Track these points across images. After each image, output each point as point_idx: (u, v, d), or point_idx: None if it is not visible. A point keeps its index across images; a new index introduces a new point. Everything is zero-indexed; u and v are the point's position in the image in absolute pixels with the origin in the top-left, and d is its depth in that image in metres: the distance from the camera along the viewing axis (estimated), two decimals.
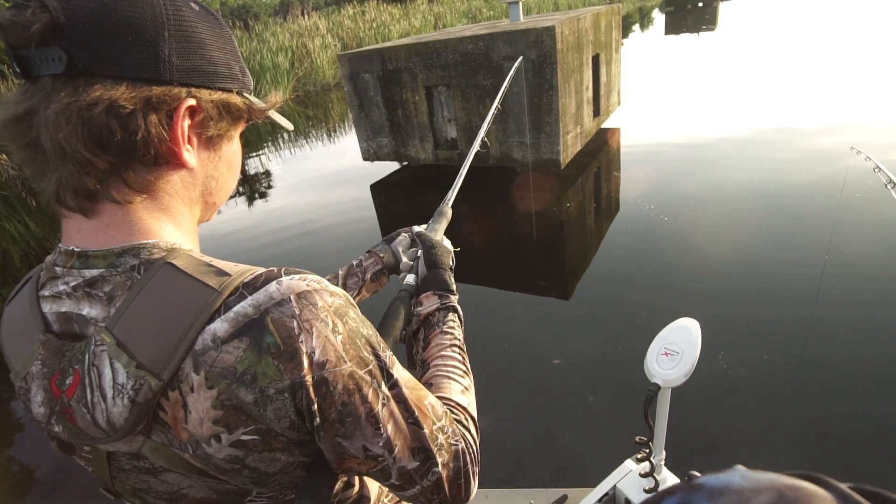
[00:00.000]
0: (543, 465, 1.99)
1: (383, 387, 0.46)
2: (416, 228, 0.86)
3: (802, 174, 4.20)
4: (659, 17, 21.99)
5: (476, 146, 1.20)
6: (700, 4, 23.29)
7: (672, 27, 17.80)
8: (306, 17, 17.00)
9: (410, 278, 0.76)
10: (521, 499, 1.52)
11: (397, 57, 4.91)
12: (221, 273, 0.42)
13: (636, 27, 19.49)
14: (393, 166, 6.10)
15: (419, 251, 0.78)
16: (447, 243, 0.82)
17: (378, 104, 5.31)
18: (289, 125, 0.60)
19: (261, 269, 0.44)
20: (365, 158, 5.83)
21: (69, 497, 2.21)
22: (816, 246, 3.05)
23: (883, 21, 12.01)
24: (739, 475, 0.24)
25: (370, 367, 0.45)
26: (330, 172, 6.75)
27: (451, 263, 0.77)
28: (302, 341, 0.41)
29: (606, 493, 1.33)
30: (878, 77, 7.03)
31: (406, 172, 5.98)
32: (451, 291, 0.72)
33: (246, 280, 0.42)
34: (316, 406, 0.42)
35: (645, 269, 3.28)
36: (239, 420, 0.41)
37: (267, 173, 6.93)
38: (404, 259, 0.84)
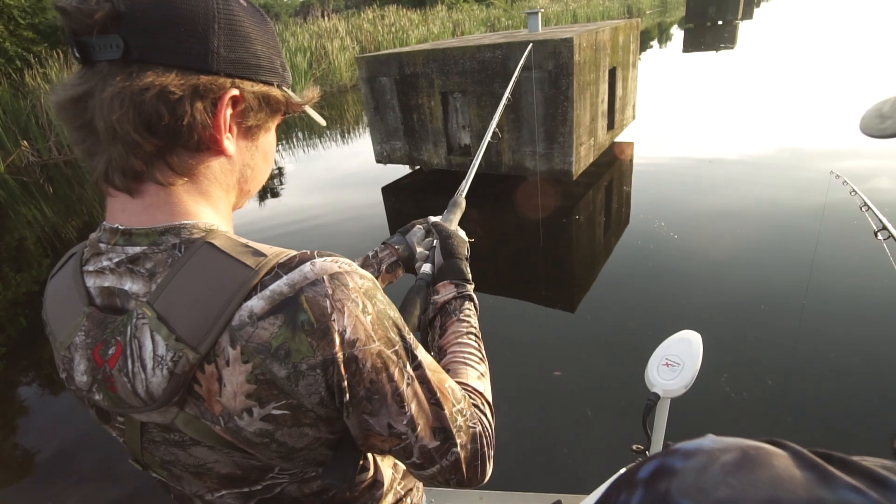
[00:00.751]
0: (539, 471, 1.99)
1: (408, 367, 0.48)
2: (432, 219, 0.87)
3: (805, 195, 4.17)
4: (678, 34, 21.95)
5: (488, 137, 1.22)
6: (720, 23, 23.23)
7: (691, 44, 17.75)
8: (326, 18, 17.19)
9: (427, 267, 0.77)
10: (514, 502, 1.53)
11: (415, 62, 4.96)
12: (258, 254, 0.44)
13: (654, 42, 19.48)
14: (405, 170, 6.14)
15: (434, 241, 0.79)
16: (462, 233, 0.83)
17: (394, 108, 5.35)
18: (322, 121, 0.62)
19: (294, 252, 0.46)
20: (378, 161, 5.87)
21: (69, 480, 2.23)
22: (804, 263, 3.13)
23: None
24: (710, 440, 0.28)
25: (396, 347, 0.47)
26: (342, 173, 6.81)
27: (466, 253, 0.78)
28: (334, 320, 0.43)
29: (599, 501, 1.32)
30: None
31: (418, 177, 6.01)
32: (468, 280, 0.73)
33: (281, 261, 0.44)
34: (346, 383, 0.44)
35: (651, 284, 3.27)
36: (271, 394, 0.43)
37: (279, 171, 6.99)
38: (419, 250, 0.85)
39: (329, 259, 0.45)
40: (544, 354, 2.73)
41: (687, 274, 3.33)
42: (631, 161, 5.78)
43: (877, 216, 1.28)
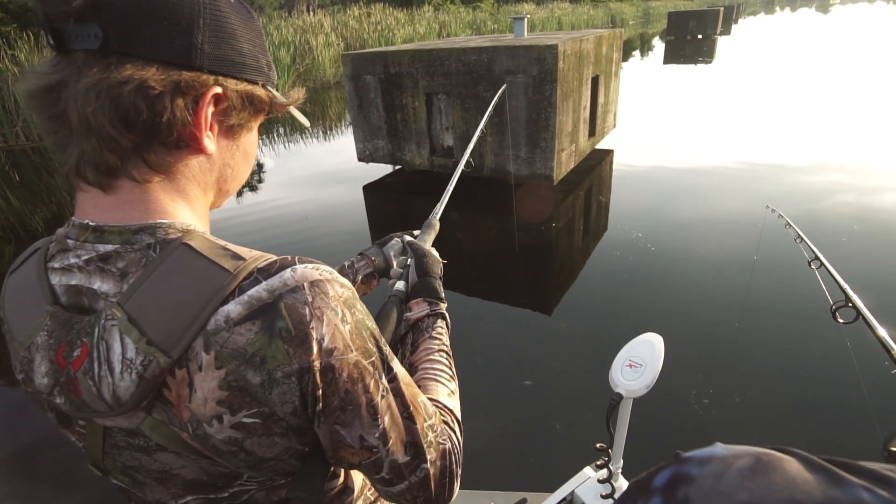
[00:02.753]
0: (506, 470, 2.03)
1: (383, 379, 0.48)
2: (408, 238, 0.88)
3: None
4: (659, 45, 22.43)
5: (461, 166, 1.26)
6: (700, 36, 23.83)
7: (671, 56, 18.16)
8: (311, 13, 17.01)
9: (400, 285, 0.78)
10: (481, 500, 1.56)
11: (400, 61, 4.94)
12: (237, 257, 0.43)
13: (636, 52, 19.86)
14: (387, 169, 6.11)
15: (409, 259, 0.80)
16: (435, 254, 0.84)
17: (378, 106, 5.32)
18: (305, 122, 0.61)
19: (274, 256, 0.45)
20: (360, 159, 5.83)
21: (27, 481, 2.15)
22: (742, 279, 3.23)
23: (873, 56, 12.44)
24: (720, 447, 0.29)
25: (373, 358, 0.47)
26: (323, 170, 6.74)
27: (440, 273, 0.79)
28: (313, 328, 0.42)
29: (564, 498, 1.37)
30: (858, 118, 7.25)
31: (400, 176, 5.99)
32: (441, 299, 0.74)
33: (261, 265, 0.43)
34: (321, 391, 0.43)
35: (622, 288, 3.34)
36: (243, 402, 0.42)
37: (259, 167, 6.88)
38: (395, 265, 0.85)
39: (310, 266, 0.45)
40: (519, 356, 2.76)
41: (657, 280, 3.41)
42: (611, 168, 5.88)
43: (809, 247, 1.36)
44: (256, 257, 0.44)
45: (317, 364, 0.42)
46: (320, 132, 9.01)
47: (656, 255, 3.71)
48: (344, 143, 7.81)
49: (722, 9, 25.02)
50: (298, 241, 4.37)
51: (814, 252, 1.32)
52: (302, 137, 8.65)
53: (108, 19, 0.39)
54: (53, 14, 0.39)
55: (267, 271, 0.43)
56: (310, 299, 0.42)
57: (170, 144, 0.44)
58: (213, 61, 0.44)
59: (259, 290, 0.41)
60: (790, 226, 1.53)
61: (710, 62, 15.67)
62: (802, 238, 1.40)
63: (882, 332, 0.91)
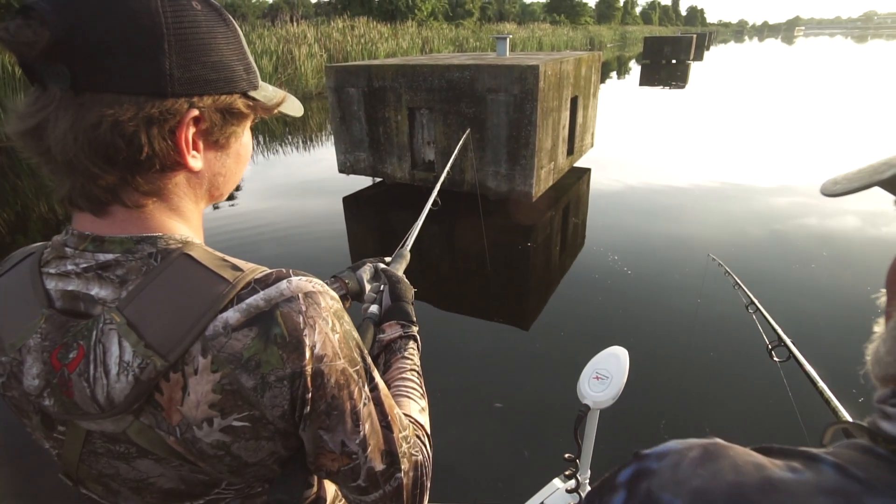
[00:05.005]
0: (475, 483, 2.04)
1: (366, 387, 0.50)
2: (381, 265, 0.91)
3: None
4: (635, 69, 23.18)
5: (429, 205, 1.32)
6: (674, 61, 24.73)
7: (646, 79, 18.78)
8: (295, 24, 17.00)
9: (374, 308, 0.80)
10: None
11: (384, 75, 4.98)
12: (235, 268, 0.46)
13: (613, 74, 20.47)
14: (367, 181, 6.11)
15: (382, 285, 0.84)
16: (407, 282, 0.88)
17: (360, 119, 5.34)
18: (299, 111, 0.59)
19: (270, 269, 0.47)
20: (341, 170, 5.82)
21: None
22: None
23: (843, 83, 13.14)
24: (674, 442, 0.34)
25: (358, 367, 0.49)
26: (302, 180, 6.70)
27: (411, 299, 0.83)
28: (306, 335, 0.44)
29: None
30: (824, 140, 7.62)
31: (380, 189, 5.99)
32: (413, 322, 0.77)
33: (257, 277, 0.45)
34: (310, 395, 0.45)
35: (598, 309, 3.40)
36: (234, 405, 0.44)
37: None
38: (367, 289, 0.88)
39: (304, 278, 0.47)
40: (493, 369, 2.79)
41: (628, 300, 3.48)
42: (588, 186, 6.01)
43: (746, 293, 1.45)
44: (253, 269, 0.46)
45: (308, 369, 0.44)
46: (300, 142, 8.97)
47: (630, 276, 3.79)
48: (324, 154, 7.79)
49: (695, 36, 26.08)
50: (275, 253, 4.31)
51: (749, 297, 1.42)
52: (282, 146, 8.59)
53: (72, 58, 0.39)
54: (21, 56, 0.40)
55: (264, 282, 0.45)
56: (304, 308, 0.44)
57: (155, 171, 0.45)
58: (185, 84, 0.43)
59: (257, 299, 0.43)
60: (728, 273, 1.65)
61: (683, 86, 16.26)
62: (740, 285, 1.51)
63: (809, 367, 0.99)
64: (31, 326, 0.45)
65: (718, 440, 0.33)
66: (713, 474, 0.30)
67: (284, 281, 0.45)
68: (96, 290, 0.44)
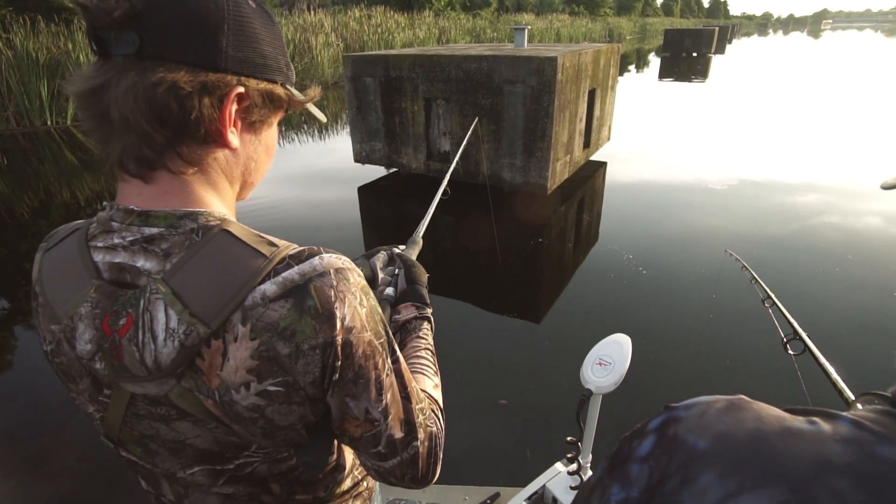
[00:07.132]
0: (480, 465, 2.09)
1: (389, 359, 0.53)
2: (396, 250, 0.94)
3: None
4: (655, 61, 22.77)
5: (439, 194, 1.36)
6: (694, 55, 24.24)
7: (666, 72, 18.44)
8: (312, 12, 17.01)
9: (390, 290, 0.84)
10: (455, 495, 1.62)
11: (401, 65, 4.98)
12: (271, 244, 0.49)
13: (632, 67, 20.14)
14: (383, 171, 6.14)
15: (396, 269, 0.87)
16: (421, 266, 0.91)
17: (376, 108, 5.36)
18: (323, 118, 0.66)
19: (303, 246, 0.50)
20: (356, 160, 5.85)
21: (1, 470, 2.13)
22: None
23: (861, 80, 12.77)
24: (702, 397, 0.38)
25: (382, 339, 0.52)
26: (319, 169, 6.75)
27: (426, 283, 0.86)
28: (336, 307, 0.48)
29: (536, 492, 1.43)
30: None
31: (395, 179, 6.02)
32: (428, 304, 0.80)
33: (291, 253, 0.49)
34: (339, 363, 0.48)
35: (610, 303, 3.39)
36: (270, 371, 0.47)
37: None
38: (382, 275, 0.91)
39: (334, 256, 0.50)
40: (500, 362, 2.80)
41: (642, 295, 3.47)
42: (603, 180, 5.96)
43: (763, 287, 1.48)
44: (287, 245, 0.50)
45: (339, 339, 0.47)
46: (316, 131, 9.01)
47: (644, 273, 3.77)
48: (339, 144, 7.83)
49: (717, 29, 25.51)
50: (291, 239, 4.36)
51: (766, 291, 1.44)
52: (298, 136, 8.65)
53: (144, 28, 0.44)
54: (97, 23, 0.43)
55: (298, 258, 0.48)
56: (335, 283, 0.48)
57: (199, 139, 0.49)
58: (237, 63, 0.48)
59: (292, 273, 0.47)
60: (746, 268, 1.68)
61: (704, 80, 15.94)
62: (756, 279, 1.54)
63: (824, 360, 1.02)
64: (81, 296, 0.48)
65: (743, 396, 0.37)
66: (737, 422, 0.33)
67: (317, 257, 0.49)
68: (142, 262, 0.48)
